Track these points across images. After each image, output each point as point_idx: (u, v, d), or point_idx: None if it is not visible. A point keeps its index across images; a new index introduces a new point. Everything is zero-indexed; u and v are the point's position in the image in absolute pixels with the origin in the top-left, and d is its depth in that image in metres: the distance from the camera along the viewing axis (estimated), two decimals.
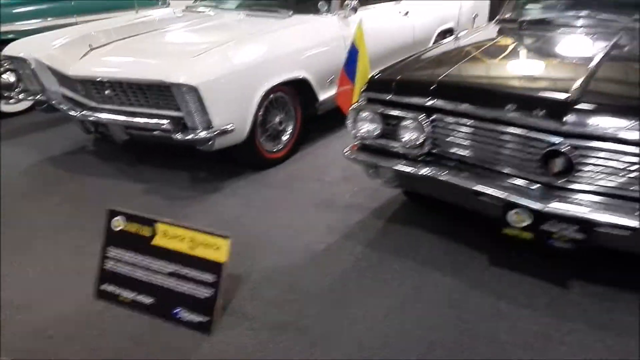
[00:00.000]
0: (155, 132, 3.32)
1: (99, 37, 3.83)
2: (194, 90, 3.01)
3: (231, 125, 3.23)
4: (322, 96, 4.01)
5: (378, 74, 2.61)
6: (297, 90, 3.81)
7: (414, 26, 5.17)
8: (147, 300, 2.26)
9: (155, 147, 3.88)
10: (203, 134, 3.13)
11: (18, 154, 4.07)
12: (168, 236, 2.24)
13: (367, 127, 2.56)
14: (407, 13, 5.05)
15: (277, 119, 3.77)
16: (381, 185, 2.67)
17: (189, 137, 3.13)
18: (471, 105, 2.25)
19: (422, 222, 2.99)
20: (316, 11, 4.17)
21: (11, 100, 4.89)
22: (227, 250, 2.14)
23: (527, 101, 2.14)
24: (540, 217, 2.15)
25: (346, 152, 2.68)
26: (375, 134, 2.55)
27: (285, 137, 3.88)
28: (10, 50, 3.88)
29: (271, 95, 3.59)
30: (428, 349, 2.07)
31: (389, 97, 2.47)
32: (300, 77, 3.72)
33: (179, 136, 3.13)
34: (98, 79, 3.31)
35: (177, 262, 2.21)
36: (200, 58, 3.17)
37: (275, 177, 3.65)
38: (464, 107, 2.27)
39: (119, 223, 2.34)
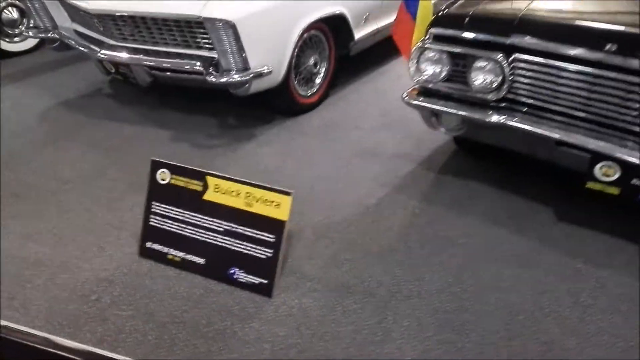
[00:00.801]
0: (184, 74, 3.05)
1: None
2: (231, 26, 2.71)
3: (268, 66, 2.96)
4: (358, 35, 3.70)
5: (447, 7, 2.32)
6: (332, 29, 3.50)
7: None
8: (198, 259, 2.08)
9: (178, 90, 3.61)
10: (239, 76, 2.86)
11: (31, 97, 3.77)
12: (221, 191, 2.04)
13: (433, 68, 2.31)
14: None
15: (312, 60, 3.48)
16: (445, 134, 2.45)
17: (223, 79, 2.86)
18: (561, 45, 2.00)
19: (477, 173, 2.79)
20: None
21: (16, 38, 4.59)
22: (289, 207, 1.94)
23: (630, 40, 1.89)
24: (631, 171, 1.95)
25: (405, 97, 2.44)
26: (441, 76, 2.30)
27: (318, 80, 3.61)
28: None
29: (306, 34, 3.29)
30: (510, 313, 1.92)
31: (461, 34, 2.20)
32: (338, 13, 3.40)
33: (212, 78, 2.86)
34: (120, 14, 2.99)
35: (232, 220, 2.02)
36: None
37: (310, 124, 3.41)
38: (551, 47, 2.02)
39: (164, 176, 2.12)
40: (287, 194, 1.94)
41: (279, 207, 1.95)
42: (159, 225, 2.14)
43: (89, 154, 3.03)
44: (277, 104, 3.44)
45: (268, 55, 2.97)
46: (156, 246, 2.14)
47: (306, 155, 3.05)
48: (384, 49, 4.17)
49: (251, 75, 2.88)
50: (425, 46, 2.29)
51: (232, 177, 2.04)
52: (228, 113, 3.54)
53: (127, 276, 2.09)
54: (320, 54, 3.55)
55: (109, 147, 3.10)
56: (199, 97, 3.66)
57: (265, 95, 3.20)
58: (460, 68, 2.27)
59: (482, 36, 2.17)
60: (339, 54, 3.71)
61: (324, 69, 3.62)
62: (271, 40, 2.97)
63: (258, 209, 1.98)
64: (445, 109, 2.30)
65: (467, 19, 2.20)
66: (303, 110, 3.55)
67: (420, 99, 2.38)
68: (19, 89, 3.93)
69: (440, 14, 2.31)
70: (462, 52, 2.22)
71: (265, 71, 2.94)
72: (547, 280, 2.07)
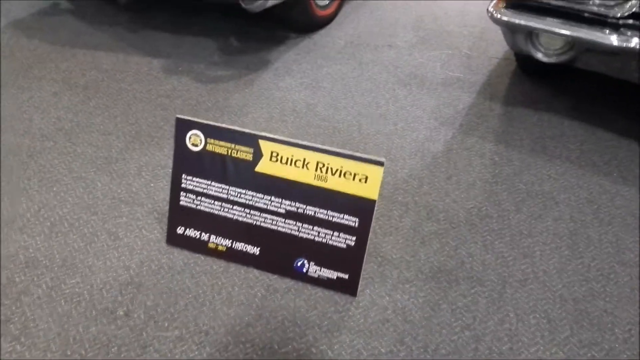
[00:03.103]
0: None
1: None
2: None
3: None
4: None
5: None
6: None
7: None
8: (252, 249, 1.58)
9: (161, 3, 2.87)
10: None
11: None
12: (281, 160, 1.50)
13: None
14: None
15: None
16: (543, 58, 1.91)
17: None
18: None
19: (549, 101, 2.34)
20: None
21: None
22: (379, 182, 1.44)
23: None
24: None
25: (492, 11, 1.87)
26: None
27: None
28: None
29: None
30: None
31: None
32: None
33: None
34: None
35: (298, 198, 1.51)
36: None
37: (333, 44, 2.79)
38: None
39: (196, 140, 1.55)
40: (378, 163, 1.42)
41: (364, 182, 1.44)
42: (192, 205, 1.60)
43: (64, 96, 2.35)
44: (291, 18, 2.79)
45: None
46: (191, 232, 1.63)
47: (339, 86, 2.47)
48: None
49: None
50: None
51: (296, 141, 1.49)
52: (228, 32, 2.85)
53: (159, 275, 1.58)
54: None
55: (87, 85, 2.43)
56: (188, 11, 2.94)
57: (274, 8, 2.54)
58: None
59: None
60: None
61: None
62: None
63: (335, 184, 1.47)
64: (556, 29, 1.76)
65: None
66: (320, 24, 2.92)
67: (516, 15, 1.82)
68: None
69: None
70: None
71: None
72: None
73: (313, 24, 2.87)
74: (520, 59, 2.43)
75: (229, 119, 2.26)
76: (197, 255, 1.63)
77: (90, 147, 2.07)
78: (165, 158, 2.02)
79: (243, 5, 2.30)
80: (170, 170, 1.62)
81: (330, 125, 2.23)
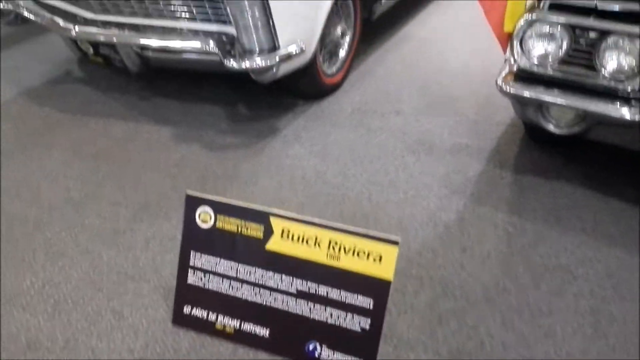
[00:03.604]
0: (189, 56, 2.38)
1: None
2: None
3: (300, 43, 2.32)
4: None
5: None
6: None
7: None
8: (261, 330, 1.52)
9: (170, 71, 2.92)
10: (266, 60, 2.22)
11: None
12: (292, 238, 1.46)
13: (545, 47, 1.76)
14: None
15: (339, 30, 2.85)
16: (554, 130, 1.91)
17: (246, 64, 2.21)
18: None
19: (560, 170, 2.31)
20: None
21: None
22: (394, 261, 1.39)
23: None
24: None
25: (501, 83, 1.88)
26: (557, 57, 1.75)
27: (342, 54, 2.99)
28: None
29: None
30: None
31: (591, 1, 1.66)
32: None
33: (232, 64, 2.21)
34: None
35: (310, 277, 1.46)
36: None
37: (340, 111, 2.81)
38: None
39: (206, 217, 1.52)
40: (393, 243, 1.39)
41: (379, 262, 1.40)
42: (200, 284, 1.56)
43: (73, 165, 2.35)
44: (299, 86, 2.81)
45: (299, 28, 2.33)
46: (198, 311, 1.57)
47: (348, 153, 2.47)
48: (402, 9, 3.59)
49: (281, 57, 2.25)
50: (537, 18, 1.73)
51: (308, 219, 1.46)
52: (236, 99, 2.89)
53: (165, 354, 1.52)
54: (346, 21, 2.92)
55: (96, 154, 2.43)
56: (197, 80, 2.99)
57: (283, 77, 2.57)
58: (584, 47, 1.73)
59: (620, 4, 1.62)
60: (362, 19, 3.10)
61: (348, 39, 3.00)
62: (303, 9, 2.33)
63: (348, 263, 1.42)
64: (566, 102, 1.76)
65: None
66: (327, 91, 2.95)
67: (526, 87, 1.83)
68: None
69: None
70: (591, 26, 1.68)
71: (296, 51, 2.31)
72: None
73: (321, 91, 2.90)
74: (529, 128, 2.43)
75: (238, 188, 2.24)
76: (204, 336, 1.57)
77: (97, 218, 2.05)
78: (173, 229, 1.99)
79: (253, 77, 2.33)
80: (178, 243, 1.59)
81: (340, 194, 2.21)
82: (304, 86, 2.80)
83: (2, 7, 2.75)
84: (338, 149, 2.51)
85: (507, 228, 2.02)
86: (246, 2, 2.07)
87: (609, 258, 1.88)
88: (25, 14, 2.69)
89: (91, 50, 2.59)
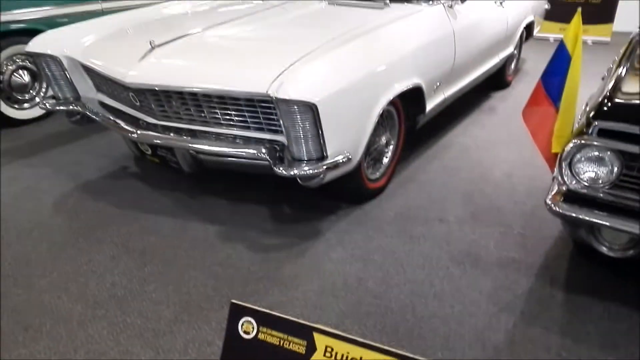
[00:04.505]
0: (241, 161, 2.49)
1: (151, 30, 2.97)
2: (309, 108, 2.17)
3: (346, 153, 2.40)
4: (429, 106, 3.21)
5: (616, 96, 1.79)
6: (404, 101, 2.98)
7: (508, 18, 4.37)
8: None
9: (219, 171, 3.04)
10: (314, 169, 2.30)
11: (44, 179, 3.18)
12: (335, 356, 1.42)
13: (595, 170, 1.76)
14: (502, 3, 4.24)
15: (383, 139, 2.95)
16: (608, 253, 1.86)
17: (295, 172, 2.29)
18: None
19: (615, 290, 2.21)
20: None
21: (25, 104, 4.05)
22: None
23: None
24: None
25: (550, 203, 1.87)
26: (607, 181, 1.75)
27: (385, 161, 3.06)
28: (35, 45, 2.98)
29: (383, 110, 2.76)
30: None
31: None
32: (416, 85, 2.89)
33: (281, 170, 2.30)
34: (165, 90, 2.45)
35: None
36: (308, 64, 2.32)
37: (383, 216, 2.83)
38: None
39: (249, 328, 1.50)
40: None
41: None
42: None
43: (121, 261, 2.41)
44: (343, 189, 2.88)
45: (347, 139, 2.42)
46: None
47: (391, 260, 2.45)
48: (442, 116, 3.71)
49: (328, 166, 2.33)
50: (586, 142, 1.74)
51: (353, 337, 1.42)
52: (280, 199, 2.96)
53: None
54: (390, 131, 3.02)
55: (144, 250, 2.49)
56: (244, 180, 3.10)
57: (332, 181, 2.64)
58: (636, 172, 1.72)
59: None
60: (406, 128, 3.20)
61: (392, 147, 3.08)
62: (352, 123, 2.43)
63: None
64: (619, 225, 1.72)
65: None
66: (370, 195, 2.99)
67: (576, 208, 1.81)
68: (29, 167, 3.34)
69: (606, 102, 1.78)
70: (638, 153, 1.68)
71: (343, 160, 2.39)
72: None
73: (364, 196, 2.95)
74: (580, 247, 2.37)
75: (279, 292, 2.23)
76: None
77: (140, 317, 2.06)
78: (212, 333, 1.97)
79: (300, 182, 2.40)
80: (216, 349, 1.57)
81: (383, 304, 2.16)
82: (348, 190, 2.86)
83: (71, 108, 2.98)
84: (381, 255, 2.49)
85: (560, 352, 1.91)
86: (299, 116, 2.18)
87: None
88: (92, 116, 2.91)
89: (149, 151, 2.74)
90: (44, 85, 4.13)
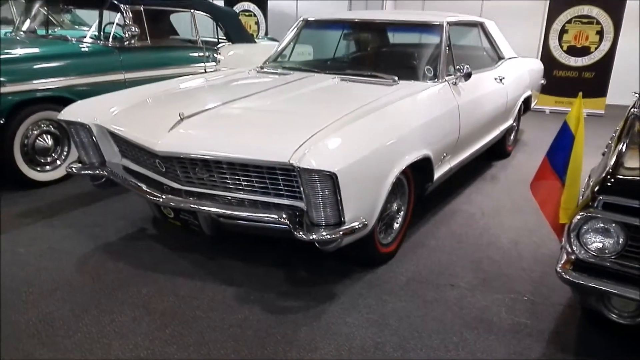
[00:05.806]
0: (261, 225, 2.60)
1: (175, 102, 3.17)
2: (329, 177, 2.31)
3: (362, 219, 2.52)
4: (437, 175, 3.37)
5: (618, 172, 1.94)
6: (413, 171, 3.14)
7: (507, 94, 4.64)
8: None
9: (235, 233, 3.14)
10: (331, 234, 2.41)
11: (65, 240, 3.27)
12: None
13: (601, 241, 1.87)
14: (502, 80, 4.51)
15: (395, 206, 3.08)
16: (617, 320, 1.94)
17: (314, 236, 2.40)
18: None
19: (626, 357, 2.26)
20: (421, 77, 3.61)
21: (47, 167, 4.21)
22: None
23: None
24: None
25: (561, 271, 1.97)
26: (613, 251, 1.86)
27: (396, 226, 3.18)
28: (67, 114, 3.17)
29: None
30: None
31: None
32: (425, 156, 3.06)
33: (302, 235, 2.40)
34: (196, 158, 2.60)
35: None
36: (328, 137, 2.49)
37: (396, 280, 2.91)
38: None
39: None
40: None
41: None
42: None
43: (142, 322, 2.46)
44: (357, 254, 2.98)
45: (363, 206, 2.55)
46: None
47: (405, 325, 2.51)
48: (447, 184, 3.86)
49: (345, 232, 2.44)
50: (592, 215, 1.87)
51: None
52: (296, 263, 3.04)
53: None
54: (401, 198, 3.16)
55: (164, 311, 2.55)
56: (261, 242, 3.20)
57: (346, 245, 2.74)
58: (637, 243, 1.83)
59: None
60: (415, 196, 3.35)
61: (402, 213, 3.21)
62: (367, 190, 2.57)
63: None
64: (628, 293, 1.82)
65: None
66: (383, 259, 3.09)
67: (585, 277, 1.91)
68: (50, 227, 3.45)
69: (609, 177, 1.92)
70: None
71: (359, 226, 2.50)
72: None
73: (376, 260, 3.04)
74: (591, 315, 2.44)
75: (297, 355, 2.27)
76: None
77: None
78: None
79: (318, 246, 2.50)
80: None
81: None
82: (361, 254, 2.96)
83: (97, 172, 3.13)
84: (395, 319, 2.55)
85: None
86: (319, 184, 2.32)
87: None
88: (117, 180, 3.06)
89: (172, 214, 2.86)
90: (66, 149, 4.30)
